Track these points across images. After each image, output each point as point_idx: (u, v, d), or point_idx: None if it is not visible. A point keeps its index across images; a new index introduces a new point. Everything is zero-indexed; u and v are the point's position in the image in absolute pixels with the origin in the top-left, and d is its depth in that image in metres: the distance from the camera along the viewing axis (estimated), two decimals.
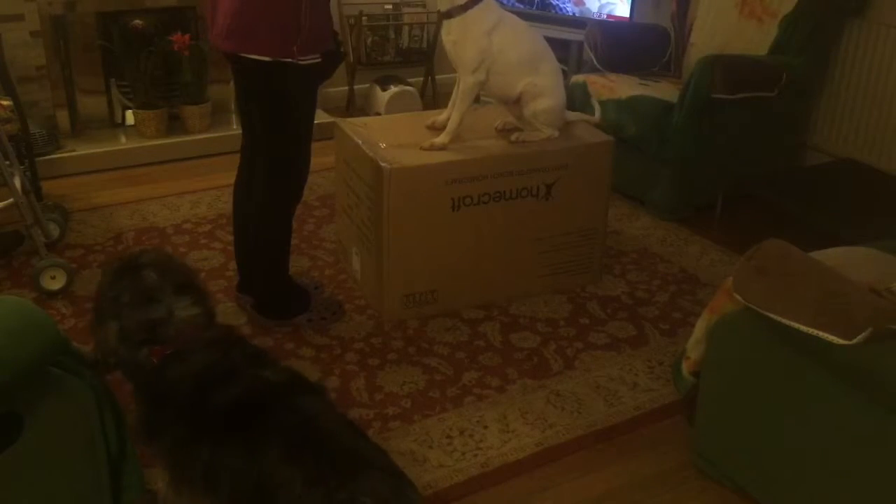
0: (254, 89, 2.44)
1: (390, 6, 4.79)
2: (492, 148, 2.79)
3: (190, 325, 1.72)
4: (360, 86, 4.77)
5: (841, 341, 1.68)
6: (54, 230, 3.17)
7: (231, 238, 2.83)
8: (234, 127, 4.19)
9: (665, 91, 3.66)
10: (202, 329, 1.74)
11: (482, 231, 2.79)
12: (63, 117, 3.99)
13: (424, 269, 2.75)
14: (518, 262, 2.90)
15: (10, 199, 2.85)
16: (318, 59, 2.37)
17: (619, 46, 3.99)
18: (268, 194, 2.53)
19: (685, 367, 2.36)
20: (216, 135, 4.12)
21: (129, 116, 4.18)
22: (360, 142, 2.77)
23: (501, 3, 3.01)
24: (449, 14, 2.67)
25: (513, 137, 2.83)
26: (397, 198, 2.62)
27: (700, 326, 2.30)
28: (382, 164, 2.59)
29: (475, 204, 2.73)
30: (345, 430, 1.63)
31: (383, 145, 2.75)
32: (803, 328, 1.74)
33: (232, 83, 2.65)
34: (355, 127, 2.91)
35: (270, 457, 1.52)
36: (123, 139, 4.08)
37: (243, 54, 2.33)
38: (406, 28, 4.81)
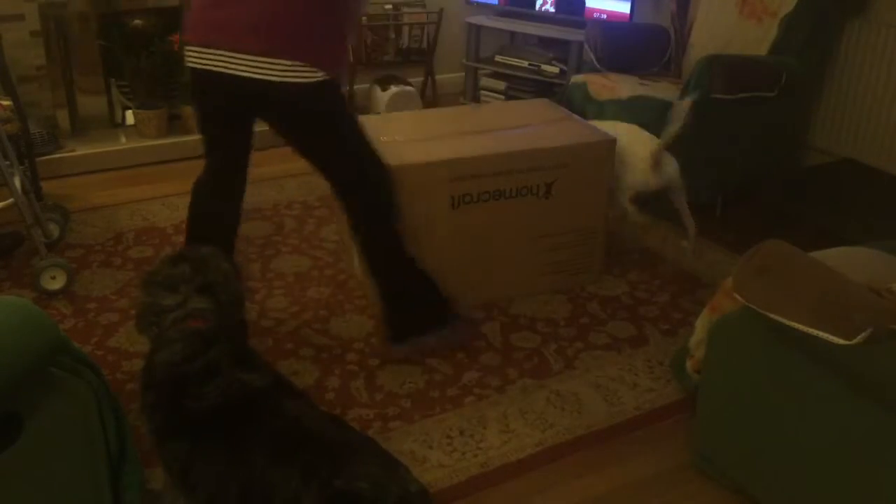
0: None
1: (390, 6, 4.79)
2: (492, 146, 2.79)
3: (191, 317, 1.75)
4: (360, 86, 4.77)
5: (841, 341, 1.68)
6: (54, 230, 3.17)
7: None
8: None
9: (665, 91, 3.66)
10: (201, 322, 1.76)
11: (482, 230, 2.79)
12: (63, 117, 3.99)
13: (424, 267, 2.74)
14: (518, 262, 2.90)
15: (10, 199, 2.85)
16: None
17: (619, 46, 4.00)
18: None
19: (690, 366, 2.37)
20: None
21: (129, 116, 4.18)
22: None
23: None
24: None
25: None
26: (397, 195, 2.61)
27: (702, 325, 2.30)
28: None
29: (475, 202, 2.73)
30: (330, 426, 1.64)
31: (384, 139, 2.75)
32: (803, 328, 1.74)
33: None
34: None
35: (257, 463, 1.54)
36: (123, 139, 4.08)
37: None
38: (406, 28, 4.81)
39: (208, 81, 2.30)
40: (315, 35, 2.23)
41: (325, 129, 2.36)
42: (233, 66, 2.22)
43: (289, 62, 2.18)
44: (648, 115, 3.52)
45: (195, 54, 2.29)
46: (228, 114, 2.41)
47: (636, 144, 3.05)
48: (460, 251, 2.78)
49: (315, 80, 2.22)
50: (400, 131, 2.85)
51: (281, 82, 2.20)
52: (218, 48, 2.24)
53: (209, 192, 2.54)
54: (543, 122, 3.04)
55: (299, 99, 2.25)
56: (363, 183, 2.44)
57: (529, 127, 2.99)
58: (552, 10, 4.63)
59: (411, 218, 2.67)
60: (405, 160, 2.62)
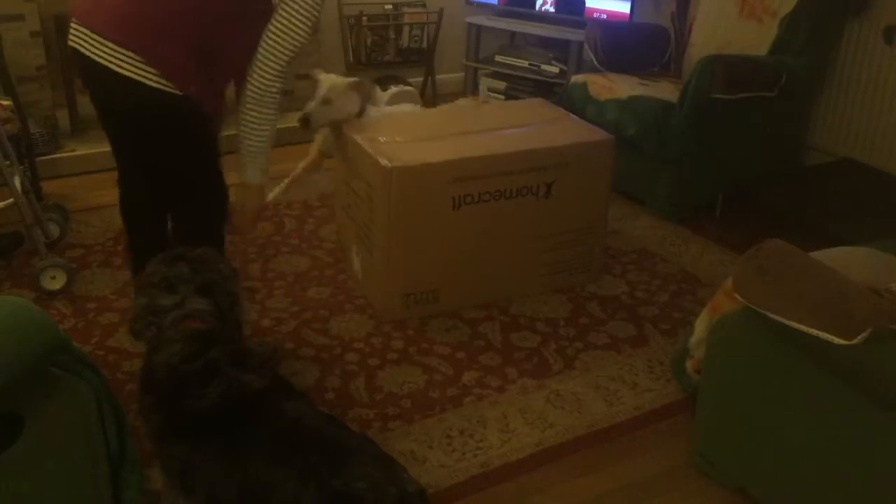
0: None
1: (390, 6, 4.79)
2: (493, 146, 2.78)
3: (190, 317, 1.74)
4: None
5: (841, 341, 1.68)
6: (54, 230, 3.17)
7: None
8: (233, 129, 4.19)
9: (665, 91, 3.66)
10: (201, 323, 1.75)
11: (483, 230, 2.79)
12: (63, 117, 3.99)
13: (425, 268, 2.75)
14: (518, 261, 2.90)
15: (10, 199, 2.85)
16: None
17: (619, 46, 4.00)
18: None
19: (690, 366, 2.37)
20: None
21: None
22: (359, 139, 2.77)
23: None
24: None
25: None
26: (398, 197, 2.61)
27: (702, 325, 2.30)
28: (384, 163, 2.59)
29: (476, 203, 2.73)
30: (329, 426, 1.64)
31: (383, 139, 2.75)
32: (803, 328, 1.74)
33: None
34: (355, 125, 2.91)
35: (256, 463, 1.53)
36: None
37: None
38: (406, 28, 4.81)
39: (82, 67, 2.16)
40: (190, 61, 2.08)
41: (173, 151, 2.22)
42: (99, 53, 2.08)
43: (150, 67, 2.04)
44: (648, 114, 3.52)
45: (72, 31, 2.16)
46: (104, 110, 2.26)
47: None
48: (461, 252, 2.78)
49: (171, 91, 2.07)
50: (399, 131, 2.85)
51: (139, 83, 2.06)
52: (92, 30, 2.10)
53: (126, 210, 2.53)
54: (542, 122, 3.04)
55: (151, 107, 2.11)
56: (207, 231, 2.35)
57: (528, 127, 2.99)
58: (552, 10, 4.64)
59: (414, 219, 2.67)
60: (407, 161, 2.61)
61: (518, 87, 4.71)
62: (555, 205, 2.86)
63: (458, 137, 2.84)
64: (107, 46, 2.07)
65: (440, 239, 2.73)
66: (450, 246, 2.76)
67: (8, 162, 2.89)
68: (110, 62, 2.07)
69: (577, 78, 3.95)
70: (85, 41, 2.12)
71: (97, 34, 2.09)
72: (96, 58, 2.09)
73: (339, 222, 3.14)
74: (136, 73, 2.06)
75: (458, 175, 2.67)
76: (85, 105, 4.08)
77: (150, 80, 2.07)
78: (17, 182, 2.86)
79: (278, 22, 2.17)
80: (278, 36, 2.18)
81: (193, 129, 2.22)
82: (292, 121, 4.34)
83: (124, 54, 2.06)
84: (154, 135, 2.19)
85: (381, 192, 2.62)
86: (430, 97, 4.89)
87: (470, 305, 2.86)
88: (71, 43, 2.17)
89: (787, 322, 1.77)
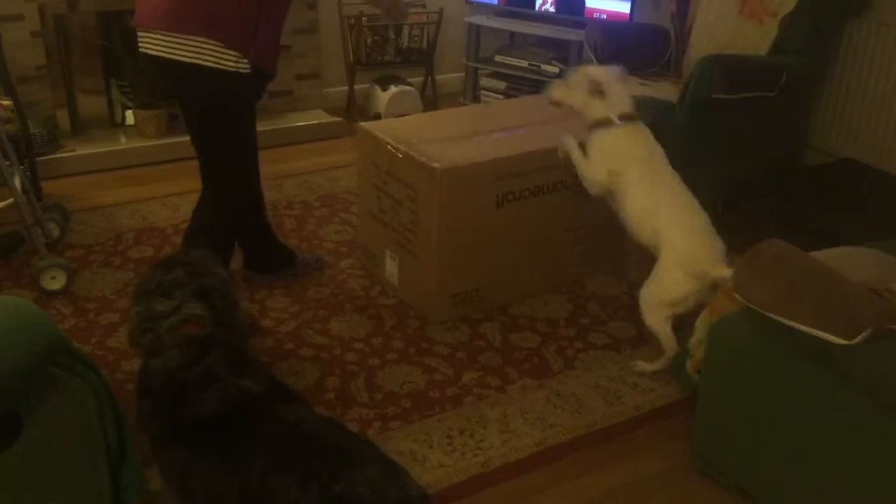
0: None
1: None
2: (528, 143, 2.80)
3: (187, 323, 1.74)
4: (360, 86, 4.77)
5: (841, 341, 1.68)
6: (54, 230, 3.17)
7: None
8: None
9: (665, 91, 3.66)
10: (197, 328, 1.75)
11: (522, 225, 2.80)
12: (63, 117, 3.99)
13: (469, 267, 2.74)
14: (552, 254, 2.93)
15: (10, 199, 2.85)
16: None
17: (619, 46, 3.99)
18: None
19: (690, 366, 2.38)
20: None
21: (129, 116, 4.18)
22: (392, 143, 2.76)
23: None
24: None
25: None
26: (447, 197, 2.61)
27: (702, 325, 2.30)
28: (433, 164, 2.58)
29: (517, 199, 2.74)
30: (330, 430, 1.64)
31: (415, 141, 2.75)
32: (803, 328, 1.74)
33: None
34: (383, 128, 2.90)
35: (256, 469, 1.53)
36: (123, 139, 4.08)
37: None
38: (406, 28, 4.81)
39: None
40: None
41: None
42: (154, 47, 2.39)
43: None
44: (648, 114, 3.52)
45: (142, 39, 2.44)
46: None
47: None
48: (502, 248, 2.79)
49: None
50: (424, 133, 2.83)
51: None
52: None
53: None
54: (560, 117, 3.05)
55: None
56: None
57: (551, 122, 3.00)
58: (552, 10, 4.63)
59: (461, 219, 2.66)
60: (454, 162, 2.61)
61: (518, 87, 4.70)
62: (586, 196, 2.86)
63: (486, 136, 2.85)
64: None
65: (484, 237, 2.73)
66: (493, 243, 2.76)
67: (8, 162, 2.89)
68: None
69: None
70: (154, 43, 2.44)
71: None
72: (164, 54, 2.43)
73: (366, 227, 3.08)
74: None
75: (503, 173, 2.69)
76: (85, 105, 4.09)
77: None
78: (17, 182, 2.86)
79: None
80: None
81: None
82: (293, 120, 4.38)
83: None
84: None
85: (429, 194, 2.61)
86: (430, 97, 4.90)
87: (510, 301, 2.86)
88: (146, 51, 2.44)
89: (787, 322, 1.77)
